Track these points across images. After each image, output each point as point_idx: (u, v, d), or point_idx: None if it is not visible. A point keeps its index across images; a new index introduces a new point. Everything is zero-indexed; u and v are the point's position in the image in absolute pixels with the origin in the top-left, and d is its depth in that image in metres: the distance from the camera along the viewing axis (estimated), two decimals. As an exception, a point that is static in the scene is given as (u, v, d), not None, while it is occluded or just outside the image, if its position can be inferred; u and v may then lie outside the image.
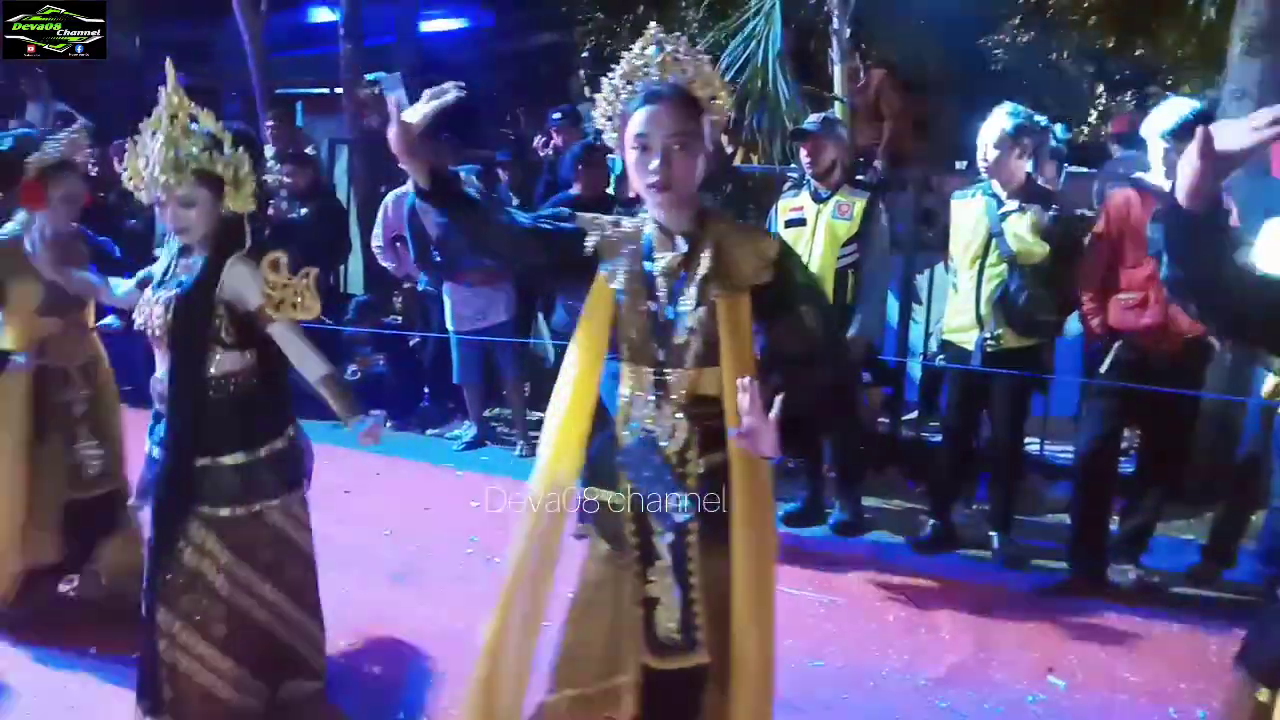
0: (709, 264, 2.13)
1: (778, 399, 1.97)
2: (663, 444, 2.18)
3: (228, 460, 2.72)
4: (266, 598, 2.90)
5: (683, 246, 2.16)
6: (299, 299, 2.64)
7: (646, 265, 2.19)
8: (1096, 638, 3.71)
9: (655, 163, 2.07)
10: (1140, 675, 3.46)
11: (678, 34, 2.25)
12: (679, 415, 2.17)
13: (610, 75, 2.21)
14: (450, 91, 2.19)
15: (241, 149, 2.68)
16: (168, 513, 2.72)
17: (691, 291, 2.14)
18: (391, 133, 2.13)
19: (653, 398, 2.19)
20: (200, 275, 2.67)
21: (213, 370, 2.71)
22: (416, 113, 2.16)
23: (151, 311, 2.71)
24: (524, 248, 2.28)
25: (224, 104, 10.69)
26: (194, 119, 2.64)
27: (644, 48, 2.20)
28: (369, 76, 8.22)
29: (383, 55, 8.50)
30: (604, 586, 2.26)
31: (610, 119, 2.19)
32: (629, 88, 2.18)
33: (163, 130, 2.59)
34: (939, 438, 4.99)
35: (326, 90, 9.21)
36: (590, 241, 2.24)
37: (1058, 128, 7.67)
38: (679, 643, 2.19)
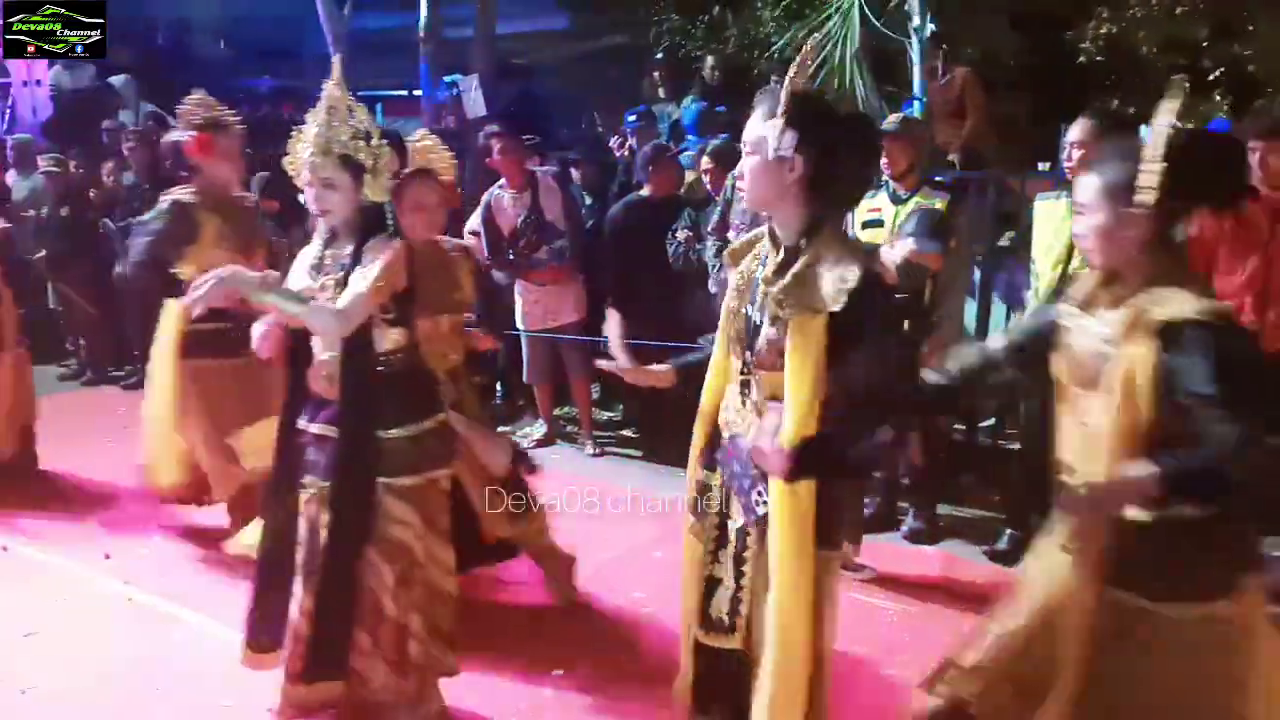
0: (788, 280, 2.14)
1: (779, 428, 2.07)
2: (742, 440, 2.25)
3: (399, 432, 2.86)
4: (447, 564, 3.03)
5: (780, 257, 2.19)
6: (369, 272, 2.73)
7: (758, 270, 2.25)
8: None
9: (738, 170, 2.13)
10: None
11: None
12: (755, 415, 2.23)
13: None
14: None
15: (385, 142, 2.86)
16: (355, 487, 2.82)
17: (770, 301, 2.17)
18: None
19: (737, 394, 2.28)
20: (355, 259, 2.80)
21: (378, 348, 2.85)
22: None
23: (316, 297, 2.81)
24: None
25: (308, 105, 10.93)
26: (350, 110, 2.83)
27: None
28: (446, 79, 8.34)
29: (461, 55, 8.61)
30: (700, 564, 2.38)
31: None
32: None
33: (320, 118, 2.80)
34: (1016, 445, 4.88)
35: (405, 92, 9.37)
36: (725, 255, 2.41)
37: (1143, 130, 7.47)
38: (725, 624, 2.29)
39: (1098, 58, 7.60)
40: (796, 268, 2.13)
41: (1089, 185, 2.06)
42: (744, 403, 2.26)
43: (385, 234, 2.85)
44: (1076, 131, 4.00)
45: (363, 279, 2.72)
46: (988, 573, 4.28)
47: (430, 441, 2.94)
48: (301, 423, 2.93)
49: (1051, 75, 7.50)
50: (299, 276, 2.91)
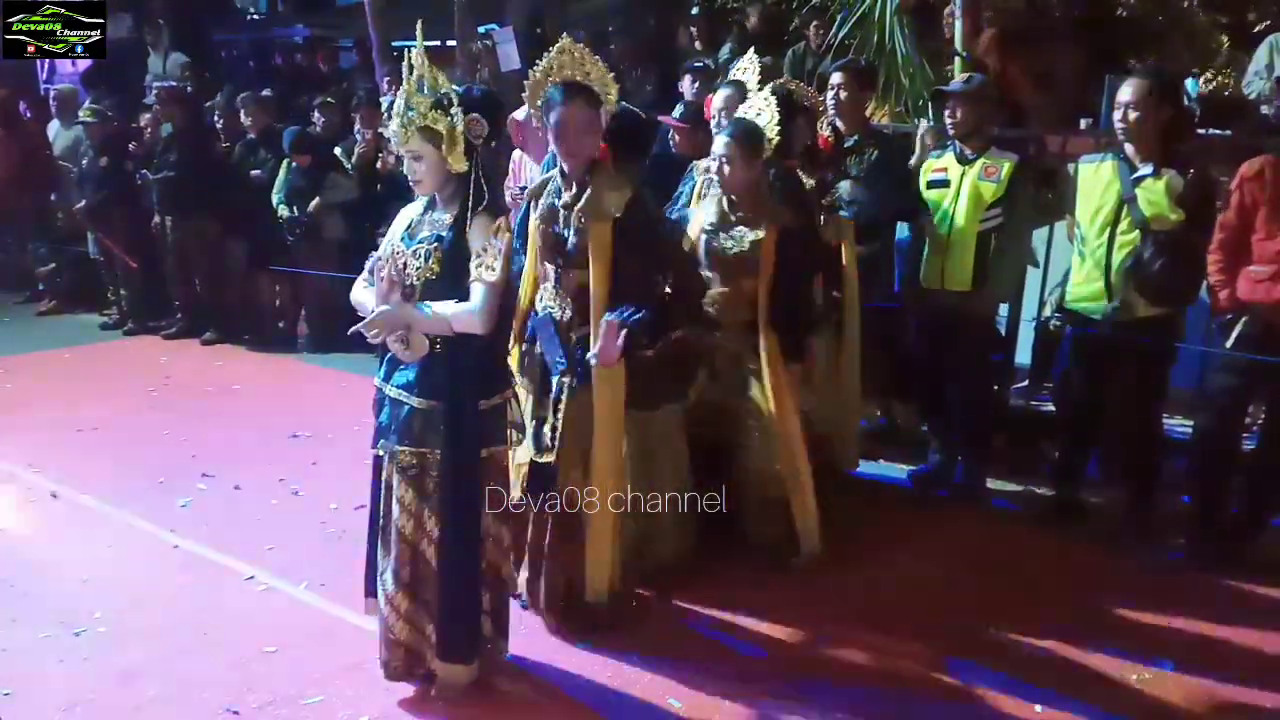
0: (583, 202, 3.15)
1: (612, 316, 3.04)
2: (557, 317, 3.26)
3: (494, 400, 2.89)
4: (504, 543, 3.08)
5: (573, 189, 3.19)
6: (493, 263, 2.70)
7: (555, 201, 3.26)
8: (1209, 617, 3.61)
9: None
10: (1255, 660, 3.37)
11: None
12: (567, 299, 3.26)
13: None
14: None
15: (460, 109, 2.74)
16: (469, 453, 2.83)
17: (574, 218, 3.17)
18: None
19: (553, 287, 3.30)
20: (455, 229, 2.77)
21: None
22: None
23: (407, 262, 2.80)
24: None
25: (340, 55, 10.89)
26: (432, 79, 2.75)
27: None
28: (481, 29, 8.28)
29: (495, 6, 8.54)
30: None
31: None
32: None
33: (404, 90, 2.74)
34: (1051, 407, 4.85)
35: (439, 42, 9.28)
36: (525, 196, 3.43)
37: (1188, 83, 7.28)
38: (547, 446, 3.21)
39: (1136, 11, 7.40)
40: (588, 193, 3.15)
41: None
42: (558, 292, 3.28)
43: (486, 209, 2.78)
44: (1128, 92, 3.91)
45: (490, 272, 2.67)
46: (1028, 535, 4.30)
47: (494, 417, 2.90)
48: (377, 380, 2.93)
49: (1094, 28, 7.31)
50: (394, 238, 2.88)
